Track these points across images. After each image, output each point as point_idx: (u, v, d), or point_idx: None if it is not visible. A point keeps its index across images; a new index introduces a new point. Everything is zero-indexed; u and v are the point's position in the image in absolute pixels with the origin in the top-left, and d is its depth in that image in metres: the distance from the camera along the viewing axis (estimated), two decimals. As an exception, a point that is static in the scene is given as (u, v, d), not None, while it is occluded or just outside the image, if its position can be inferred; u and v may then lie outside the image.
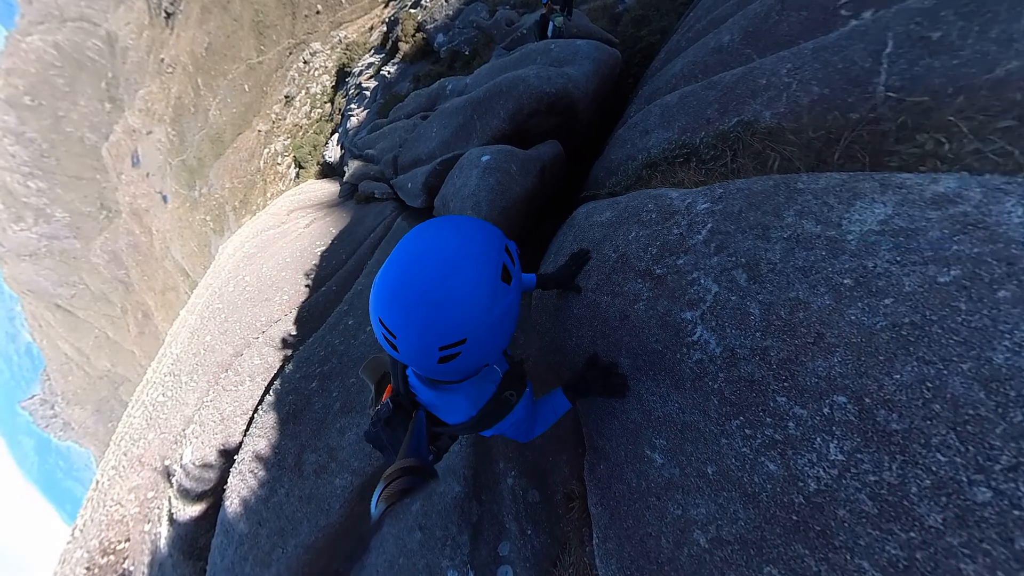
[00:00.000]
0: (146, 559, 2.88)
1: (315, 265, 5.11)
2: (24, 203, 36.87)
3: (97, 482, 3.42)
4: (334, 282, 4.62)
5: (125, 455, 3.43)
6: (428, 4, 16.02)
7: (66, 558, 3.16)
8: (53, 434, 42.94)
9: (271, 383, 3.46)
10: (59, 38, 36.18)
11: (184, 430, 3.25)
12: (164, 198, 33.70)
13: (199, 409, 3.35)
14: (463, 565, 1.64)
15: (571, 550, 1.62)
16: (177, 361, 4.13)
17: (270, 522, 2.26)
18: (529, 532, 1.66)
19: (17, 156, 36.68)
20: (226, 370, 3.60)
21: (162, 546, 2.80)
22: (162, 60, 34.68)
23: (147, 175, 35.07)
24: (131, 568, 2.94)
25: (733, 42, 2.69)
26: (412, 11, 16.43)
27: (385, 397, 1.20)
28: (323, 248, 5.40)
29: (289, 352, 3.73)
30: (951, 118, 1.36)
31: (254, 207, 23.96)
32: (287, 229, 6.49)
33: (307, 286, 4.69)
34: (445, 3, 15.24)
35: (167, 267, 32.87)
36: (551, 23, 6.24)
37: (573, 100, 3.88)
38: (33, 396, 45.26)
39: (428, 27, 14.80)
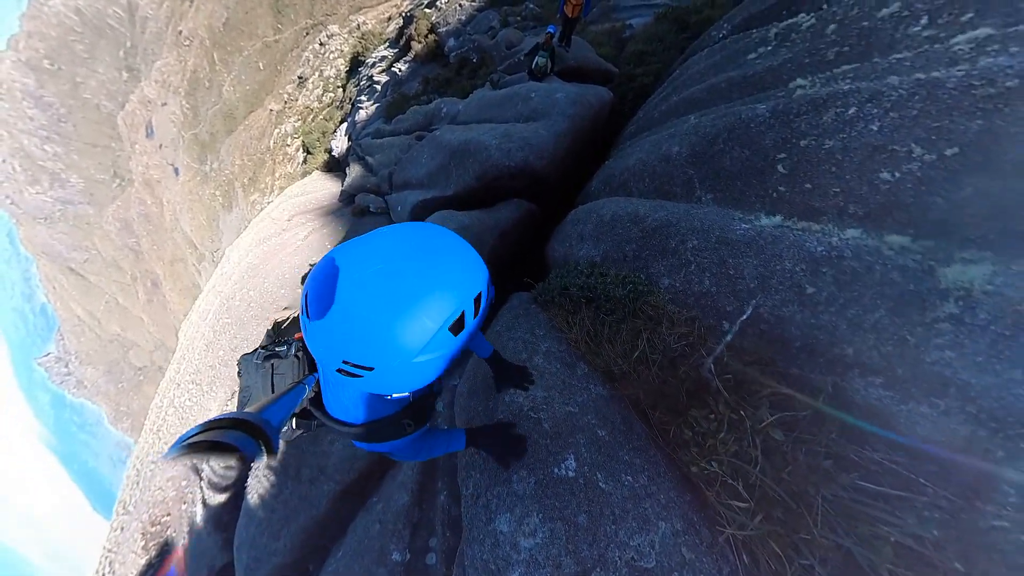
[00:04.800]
0: (185, 529, 3.71)
1: (310, 282, 5.77)
2: (41, 167, 37.58)
3: (138, 470, 4.34)
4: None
5: (162, 450, 4.32)
6: (443, 6, 15.98)
7: (124, 527, 4.03)
8: (67, 391, 44.96)
9: (275, 399, 4.31)
10: (81, 3, 36.26)
11: (210, 433, 4.03)
12: (176, 170, 34.06)
13: (221, 417, 4.12)
14: (403, 549, 2.45)
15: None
16: (198, 372, 4.89)
17: (279, 511, 3.08)
18: (447, 534, 2.35)
19: (35, 119, 37.21)
20: (240, 384, 4.37)
21: (197, 521, 3.62)
22: (180, 32, 34.71)
23: (160, 146, 35.49)
24: (173, 535, 3.79)
25: (680, 156, 2.77)
26: (427, 11, 16.37)
27: (298, 337, 1.07)
28: (318, 265, 6.08)
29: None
30: (737, 412, 1.47)
31: (263, 185, 24.45)
32: (286, 240, 7.03)
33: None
34: (459, 7, 15.17)
35: (176, 238, 33.52)
36: (535, 60, 6.28)
37: (535, 170, 4.00)
38: (48, 354, 47.18)
39: (441, 30, 14.74)
